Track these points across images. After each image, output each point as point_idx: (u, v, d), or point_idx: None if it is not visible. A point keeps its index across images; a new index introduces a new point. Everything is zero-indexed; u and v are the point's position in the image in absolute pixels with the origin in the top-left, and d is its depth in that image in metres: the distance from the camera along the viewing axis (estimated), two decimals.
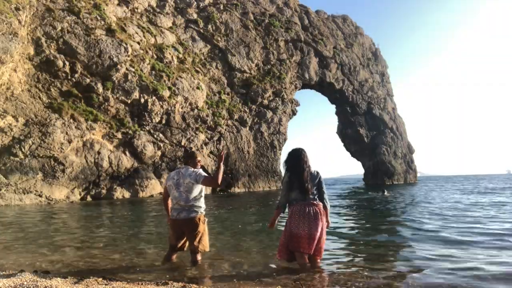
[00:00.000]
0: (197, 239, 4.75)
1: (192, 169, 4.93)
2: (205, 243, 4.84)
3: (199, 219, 4.80)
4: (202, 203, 4.89)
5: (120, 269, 4.87)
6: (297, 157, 4.65)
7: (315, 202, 4.56)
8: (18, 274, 4.06)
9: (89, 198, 23.33)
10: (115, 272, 4.64)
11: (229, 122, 35.08)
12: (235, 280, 4.22)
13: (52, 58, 24.63)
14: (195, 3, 38.32)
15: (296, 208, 4.51)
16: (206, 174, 4.88)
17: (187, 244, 4.91)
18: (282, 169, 4.80)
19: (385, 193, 23.32)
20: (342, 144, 55.08)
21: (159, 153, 28.36)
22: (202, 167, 4.35)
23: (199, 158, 5.16)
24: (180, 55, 33.63)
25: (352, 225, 10.17)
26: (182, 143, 29.73)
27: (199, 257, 4.83)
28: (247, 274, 4.46)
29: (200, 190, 4.90)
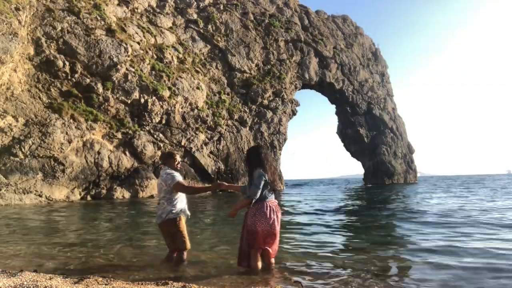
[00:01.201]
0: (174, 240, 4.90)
1: (168, 171, 4.94)
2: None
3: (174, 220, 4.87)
4: (174, 205, 4.86)
5: (120, 269, 4.87)
6: (260, 154, 4.59)
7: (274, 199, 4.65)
8: (18, 273, 4.06)
9: (89, 198, 23.33)
10: (115, 272, 4.64)
11: (229, 122, 35.08)
12: (236, 279, 4.23)
13: (52, 58, 24.64)
14: (195, 3, 38.32)
15: (268, 204, 4.46)
16: (179, 180, 4.87)
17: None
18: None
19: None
20: (342, 144, 55.11)
21: (159, 153, 28.34)
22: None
23: (177, 158, 5.12)
24: (180, 55, 33.64)
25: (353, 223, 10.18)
26: (182, 143, 29.74)
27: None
28: (248, 274, 4.46)
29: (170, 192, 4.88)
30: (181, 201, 4.93)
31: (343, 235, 8.25)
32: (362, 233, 8.64)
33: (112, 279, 4.01)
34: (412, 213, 12.35)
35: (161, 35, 33.10)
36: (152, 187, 26.25)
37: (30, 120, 22.48)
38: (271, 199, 4.51)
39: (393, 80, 64.93)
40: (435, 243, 6.69)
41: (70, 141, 23.43)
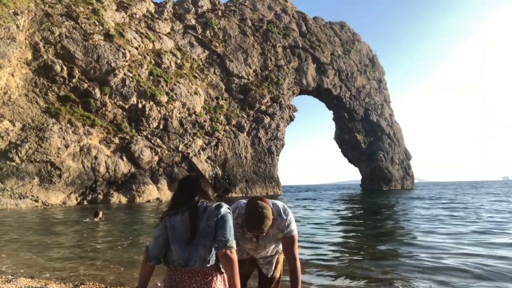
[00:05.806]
0: None
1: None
2: None
3: None
4: None
5: (116, 275, 4.83)
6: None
7: None
8: (13, 279, 4.03)
9: (85, 203, 23.20)
10: (111, 278, 4.60)
11: (227, 127, 35.10)
12: None
13: (50, 63, 24.63)
14: (194, 9, 38.53)
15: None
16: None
17: None
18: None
19: None
20: (340, 150, 55.14)
21: (156, 158, 28.29)
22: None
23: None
24: (178, 61, 33.73)
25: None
26: (180, 149, 29.69)
27: None
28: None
29: None
30: None
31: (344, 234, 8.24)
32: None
33: (109, 285, 3.98)
34: None
35: (159, 41, 33.20)
36: (149, 192, 26.16)
37: (27, 124, 22.41)
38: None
39: (393, 86, 65.30)
40: None
41: (67, 146, 23.35)
